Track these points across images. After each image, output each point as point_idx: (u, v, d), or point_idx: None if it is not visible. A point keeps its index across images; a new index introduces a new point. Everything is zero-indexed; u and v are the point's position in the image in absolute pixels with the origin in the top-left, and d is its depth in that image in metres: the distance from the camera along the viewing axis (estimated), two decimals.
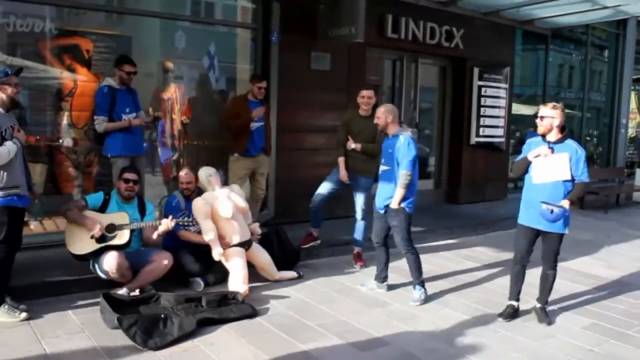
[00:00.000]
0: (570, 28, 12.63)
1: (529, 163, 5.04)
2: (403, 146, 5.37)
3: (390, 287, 5.87)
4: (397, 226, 5.52)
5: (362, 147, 6.34)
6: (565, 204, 4.89)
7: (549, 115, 4.94)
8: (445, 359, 4.36)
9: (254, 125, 6.78)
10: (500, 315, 5.21)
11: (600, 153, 14.60)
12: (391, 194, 5.45)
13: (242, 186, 6.66)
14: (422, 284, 5.61)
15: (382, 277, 5.87)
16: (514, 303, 5.27)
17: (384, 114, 5.55)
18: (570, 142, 5.02)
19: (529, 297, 5.37)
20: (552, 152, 4.92)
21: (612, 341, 4.79)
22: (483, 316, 5.23)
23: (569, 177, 4.94)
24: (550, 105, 5.01)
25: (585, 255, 7.68)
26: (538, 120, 5.00)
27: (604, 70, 14.39)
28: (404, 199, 5.42)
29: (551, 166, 4.94)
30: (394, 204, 5.43)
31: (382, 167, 5.61)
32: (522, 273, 5.27)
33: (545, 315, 5.19)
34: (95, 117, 6.09)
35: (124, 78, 6.08)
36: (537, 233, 5.13)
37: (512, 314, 5.22)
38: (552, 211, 4.83)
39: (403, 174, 5.34)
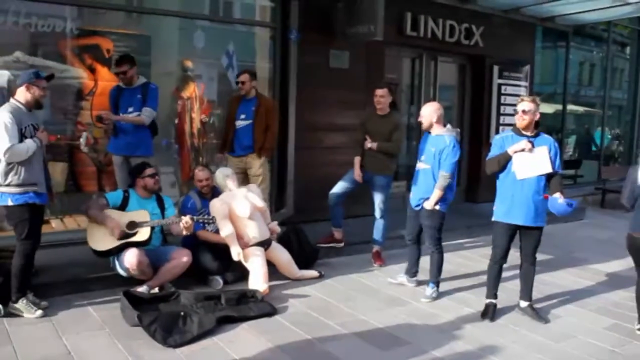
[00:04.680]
0: (592, 25, 12.48)
1: (508, 159, 4.94)
2: (448, 148, 5.32)
3: (420, 283, 5.88)
4: (429, 226, 5.53)
5: (378, 146, 6.32)
6: (559, 195, 4.90)
7: (531, 110, 4.88)
8: (466, 359, 4.33)
9: (239, 124, 6.61)
10: (485, 315, 5.13)
11: (622, 151, 14.43)
12: (428, 194, 5.42)
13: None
14: (437, 283, 5.64)
15: (412, 272, 5.91)
16: (494, 301, 5.22)
17: (429, 114, 5.47)
18: (545, 136, 5.03)
19: (539, 294, 5.31)
20: (533, 146, 4.87)
21: (635, 342, 4.73)
22: (504, 316, 5.19)
23: (551, 170, 4.91)
24: (530, 99, 4.96)
25: (607, 254, 7.58)
26: (520, 115, 4.89)
27: (626, 68, 14.22)
28: (441, 200, 5.40)
29: (534, 160, 4.89)
30: (429, 205, 5.41)
31: (422, 165, 5.53)
32: (501, 272, 5.22)
33: (537, 313, 5.16)
34: None
35: (118, 79, 6.05)
36: (516, 230, 5.06)
37: (494, 312, 5.17)
38: (572, 205, 4.84)
39: (443, 175, 5.31)
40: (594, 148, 13.57)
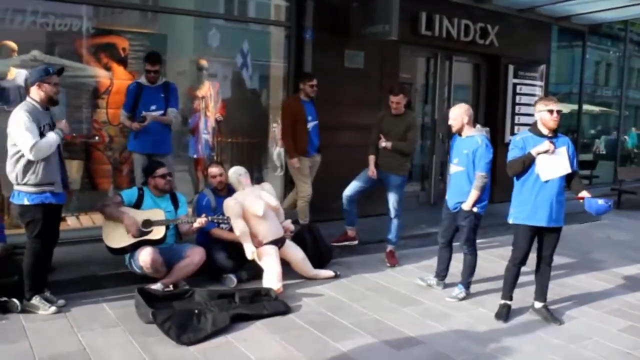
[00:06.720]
0: (608, 24, 12.38)
1: (533, 160, 4.87)
2: (481, 148, 5.29)
3: (447, 285, 5.84)
4: (465, 226, 5.49)
5: (393, 145, 6.32)
6: (586, 194, 4.88)
7: (560, 110, 4.86)
8: None
9: (310, 125, 6.81)
10: (499, 316, 5.10)
11: (638, 152, 14.32)
12: (464, 196, 5.37)
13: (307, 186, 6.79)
14: (467, 285, 5.63)
15: (442, 275, 5.87)
16: (509, 302, 5.18)
17: (460, 116, 5.41)
18: (562, 135, 5.00)
19: (554, 295, 5.28)
20: (555, 147, 4.83)
21: None
22: (518, 317, 5.16)
23: (570, 170, 4.88)
24: (554, 99, 4.94)
25: (622, 256, 7.53)
26: (553, 116, 4.82)
27: None
28: (477, 201, 5.35)
29: (556, 161, 4.84)
30: (467, 206, 5.36)
31: (456, 168, 5.47)
32: (519, 274, 5.18)
33: (552, 314, 5.13)
34: None
35: (147, 76, 6.13)
36: (537, 232, 5.02)
37: (509, 313, 5.14)
38: (609, 204, 4.82)
39: (480, 175, 5.27)
40: (630, 146, 13.54)
